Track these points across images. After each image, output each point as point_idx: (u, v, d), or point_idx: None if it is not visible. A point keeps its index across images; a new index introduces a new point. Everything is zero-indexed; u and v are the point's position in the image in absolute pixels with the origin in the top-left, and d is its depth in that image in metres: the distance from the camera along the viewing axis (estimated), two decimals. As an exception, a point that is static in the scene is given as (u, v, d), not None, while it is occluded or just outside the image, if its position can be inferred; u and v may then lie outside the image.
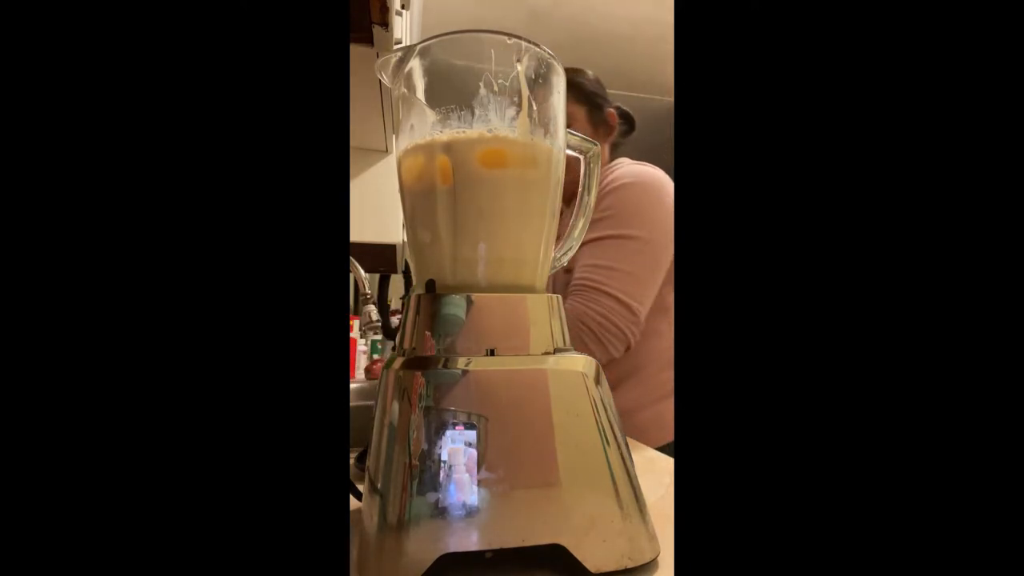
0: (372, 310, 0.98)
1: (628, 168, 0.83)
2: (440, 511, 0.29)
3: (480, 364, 0.32)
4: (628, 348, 0.75)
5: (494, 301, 0.34)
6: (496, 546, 0.29)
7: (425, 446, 0.30)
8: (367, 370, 1.55)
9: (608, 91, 0.91)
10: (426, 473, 0.29)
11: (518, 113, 0.37)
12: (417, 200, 0.37)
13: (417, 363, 0.32)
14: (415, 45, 0.36)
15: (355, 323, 1.56)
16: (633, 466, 0.33)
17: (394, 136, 0.97)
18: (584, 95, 0.88)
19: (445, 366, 0.32)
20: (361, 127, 0.96)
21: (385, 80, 0.38)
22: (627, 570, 0.30)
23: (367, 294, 0.99)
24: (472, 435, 0.30)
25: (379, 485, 0.30)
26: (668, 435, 0.83)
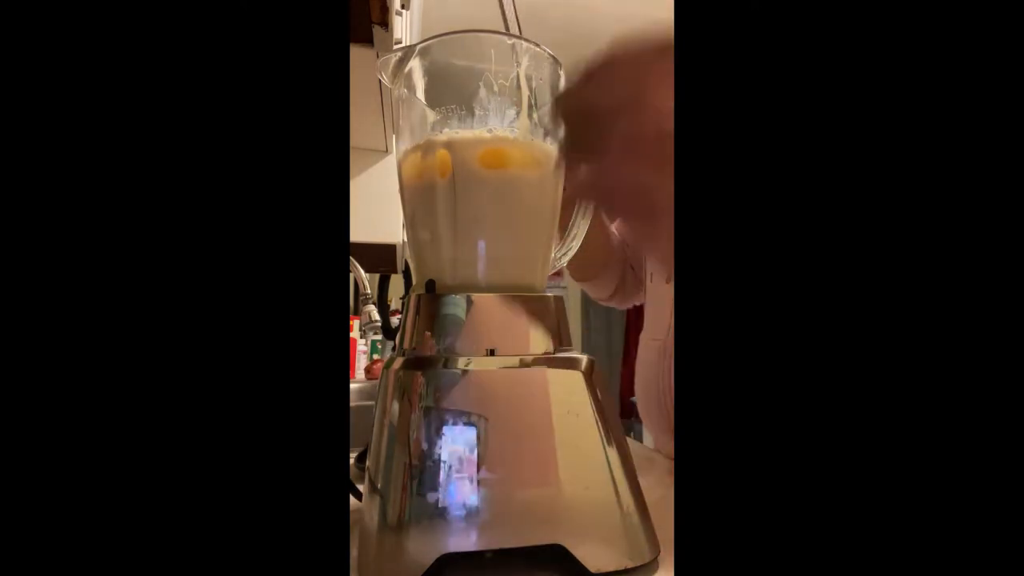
0: (372, 310, 0.98)
1: None
2: (440, 511, 0.29)
3: (480, 364, 0.32)
4: None
5: (494, 301, 0.34)
6: (496, 546, 0.29)
7: (425, 446, 0.30)
8: (367, 370, 1.55)
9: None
10: (426, 473, 0.29)
11: (518, 113, 0.37)
12: (417, 200, 0.37)
13: (417, 363, 0.32)
14: (415, 45, 0.36)
15: (355, 323, 1.56)
16: (633, 466, 0.33)
17: (394, 136, 0.97)
18: None
19: (445, 366, 0.32)
20: (361, 127, 0.96)
21: (385, 80, 0.38)
22: (627, 570, 0.30)
23: (367, 294, 0.99)
24: (472, 435, 0.30)
25: (379, 485, 0.30)
26: None
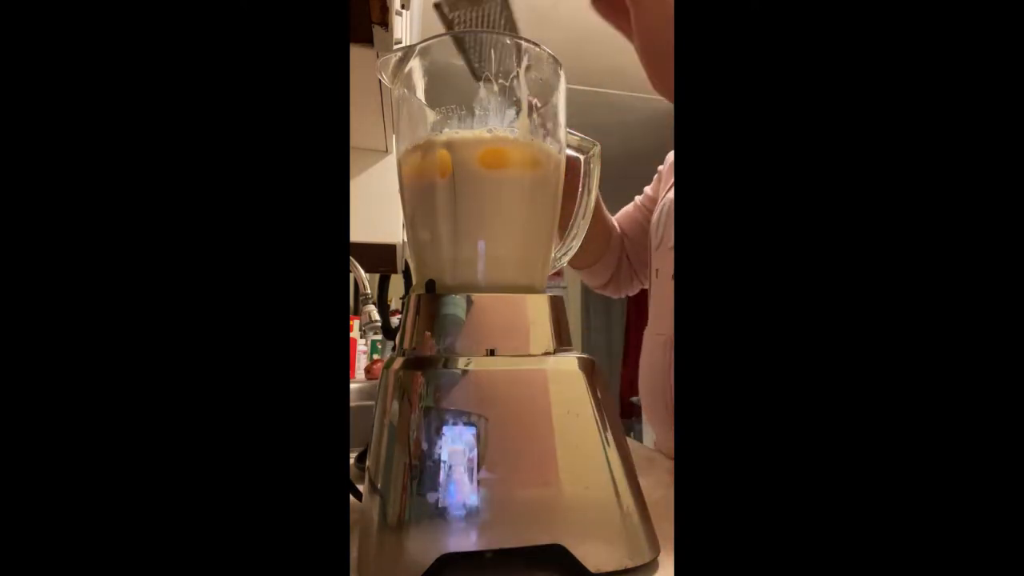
0: (372, 310, 0.98)
1: None
2: (440, 511, 0.29)
3: (480, 364, 0.32)
4: None
5: (494, 301, 0.34)
6: (496, 546, 0.29)
7: (425, 446, 0.30)
8: (367, 370, 1.55)
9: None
10: (426, 473, 0.29)
11: (518, 113, 0.37)
12: (417, 200, 0.37)
13: (417, 363, 0.32)
14: (415, 45, 0.36)
15: (355, 323, 1.56)
16: (633, 466, 0.33)
17: (394, 136, 0.97)
18: None
19: (445, 366, 0.32)
20: (361, 127, 0.96)
21: (385, 80, 0.38)
22: (627, 570, 0.30)
23: (367, 294, 0.99)
24: (472, 435, 0.30)
25: (379, 485, 0.30)
26: None
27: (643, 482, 0.33)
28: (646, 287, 0.81)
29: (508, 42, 0.38)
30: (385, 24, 0.60)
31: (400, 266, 1.26)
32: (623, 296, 0.86)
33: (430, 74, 0.37)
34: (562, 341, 0.35)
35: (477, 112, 0.36)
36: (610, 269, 0.79)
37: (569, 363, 0.33)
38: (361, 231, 1.06)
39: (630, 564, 0.30)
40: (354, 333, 1.59)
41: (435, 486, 0.29)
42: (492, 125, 0.36)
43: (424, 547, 0.28)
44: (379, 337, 1.64)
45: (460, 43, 0.37)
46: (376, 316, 0.97)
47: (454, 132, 0.36)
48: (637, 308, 4.29)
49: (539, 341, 0.34)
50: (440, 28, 0.37)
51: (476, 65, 0.37)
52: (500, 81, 0.37)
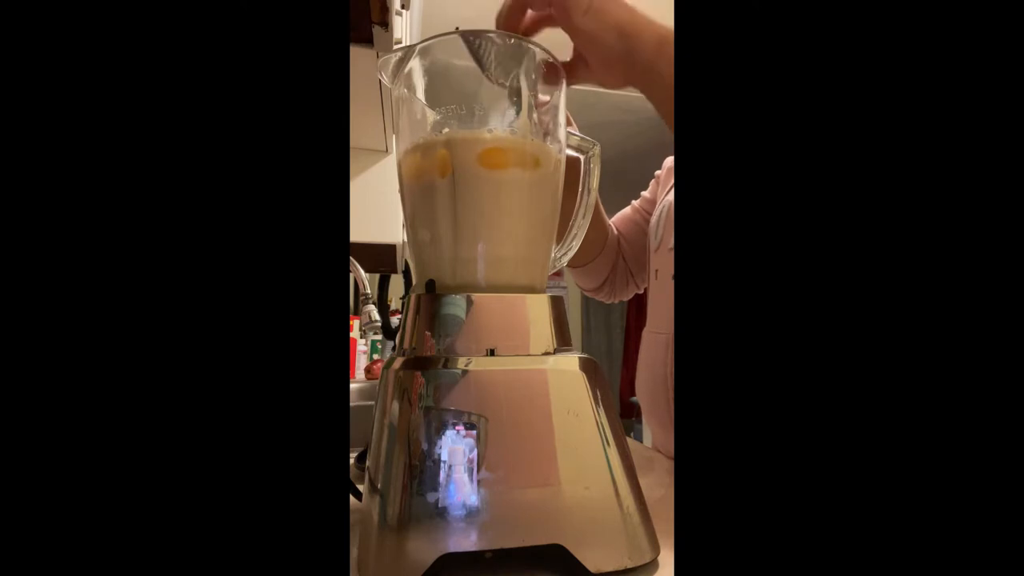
0: (372, 310, 0.98)
1: None
2: (440, 511, 0.29)
3: (480, 364, 0.32)
4: None
5: (494, 301, 0.34)
6: (496, 546, 0.29)
7: (425, 446, 0.30)
8: (367, 370, 1.55)
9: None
10: (426, 473, 0.29)
11: (518, 113, 0.37)
12: (417, 200, 0.37)
13: (417, 363, 0.32)
14: (415, 45, 0.36)
15: (355, 323, 1.56)
16: (633, 466, 0.33)
17: (394, 136, 0.97)
18: None
19: (445, 366, 0.32)
20: (361, 127, 0.96)
21: (385, 80, 0.38)
22: (627, 570, 0.30)
23: (367, 294, 0.99)
24: (472, 435, 0.30)
25: (379, 485, 0.30)
26: None
27: (643, 482, 0.33)
28: (640, 292, 0.81)
29: (509, 42, 0.38)
30: (385, 24, 0.60)
31: (400, 266, 1.26)
32: (616, 301, 0.86)
33: (430, 74, 0.37)
34: (562, 341, 0.35)
35: (477, 112, 0.36)
36: (605, 271, 0.79)
37: (569, 363, 0.33)
38: (361, 231, 1.06)
39: (630, 564, 0.30)
40: (354, 333, 1.59)
41: (435, 486, 0.29)
42: (492, 125, 0.36)
43: (424, 547, 0.28)
44: (379, 337, 1.64)
45: (466, 42, 0.37)
46: (376, 316, 0.97)
47: (454, 132, 0.36)
48: (637, 308, 4.29)
49: (539, 341, 0.34)
50: (440, 28, 0.37)
51: (484, 63, 0.37)
52: (500, 81, 0.37)
